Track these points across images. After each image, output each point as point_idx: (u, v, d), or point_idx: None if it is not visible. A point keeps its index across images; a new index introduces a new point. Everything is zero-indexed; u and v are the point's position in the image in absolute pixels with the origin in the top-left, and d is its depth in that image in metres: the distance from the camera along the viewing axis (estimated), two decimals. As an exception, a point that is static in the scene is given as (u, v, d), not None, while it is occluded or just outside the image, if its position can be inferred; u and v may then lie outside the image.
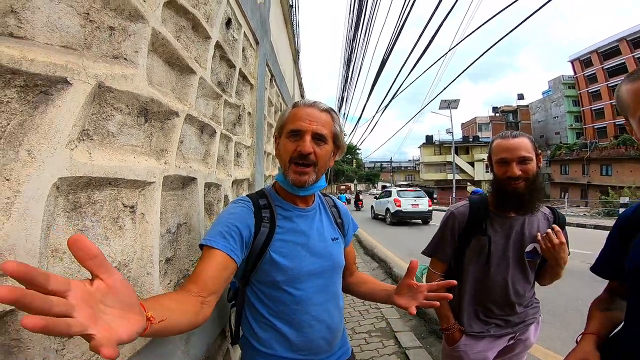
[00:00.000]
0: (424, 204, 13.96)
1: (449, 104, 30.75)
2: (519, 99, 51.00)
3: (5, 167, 0.47)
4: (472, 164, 42.53)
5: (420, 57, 5.47)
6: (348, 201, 29.38)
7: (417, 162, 62.46)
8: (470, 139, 45.64)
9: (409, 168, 73.68)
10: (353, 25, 5.73)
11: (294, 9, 5.71)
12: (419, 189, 16.91)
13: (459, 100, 31.71)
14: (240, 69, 1.60)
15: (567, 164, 34.43)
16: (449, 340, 1.54)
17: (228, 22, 1.43)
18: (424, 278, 1.68)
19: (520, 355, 1.61)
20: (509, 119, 48.95)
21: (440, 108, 31.23)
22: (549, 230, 1.36)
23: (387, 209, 14.50)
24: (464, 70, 5.37)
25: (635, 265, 0.88)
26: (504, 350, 1.58)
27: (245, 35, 1.71)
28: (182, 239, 1.02)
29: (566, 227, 1.51)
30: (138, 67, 0.73)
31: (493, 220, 1.48)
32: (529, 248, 1.46)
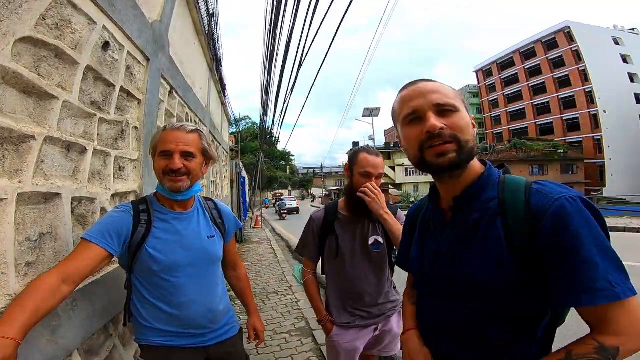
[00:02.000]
0: (293, 204, 28.81)
1: (371, 112, 32.24)
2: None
3: None
4: (393, 168, 45.65)
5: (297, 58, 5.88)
6: (272, 204, 37.42)
7: (347, 168, 64.73)
8: (392, 145, 48.96)
9: (339, 173, 76.16)
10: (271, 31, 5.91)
11: (214, 17, 5.72)
12: (293, 197, 36.24)
13: (379, 108, 33.37)
14: (122, 86, 1.70)
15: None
16: (325, 330, 1.71)
17: (106, 45, 1.54)
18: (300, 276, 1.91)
19: (391, 346, 1.76)
20: (426, 126, 53.49)
21: (363, 116, 32.44)
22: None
23: (278, 206, 27.43)
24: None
25: (412, 264, 0.99)
26: (375, 342, 1.74)
27: (130, 54, 1.82)
28: (46, 247, 1.12)
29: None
30: (-17, 101, 0.85)
31: (341, 221, 1.69)
32: (371, 241, 1.66)
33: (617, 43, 35.73)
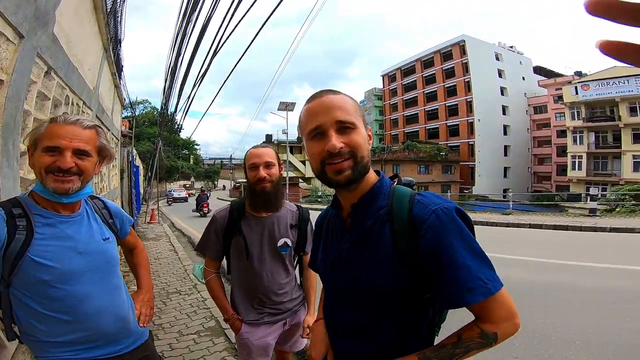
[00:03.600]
0: (182, 194, 35.00)
1: (287, 106, 32.04)
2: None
3: None
4: (304, 162, 46.79)
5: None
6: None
7: (257, 160, 63.36)
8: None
9: (249, 165, 74.12)
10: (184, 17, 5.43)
11: None
12: (183, 187, 41.89)
13: (295, 103, 33.20)
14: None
15: (371, 165, 41.90)
16: (233, 329, 1.70)
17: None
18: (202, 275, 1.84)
19: (302, 340, 1.82)
20: (334, 124, 56.00)
21: (278, 109, 32.03)
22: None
23: (166, 195, 34.69)
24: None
25: (319, 267, 1.08)
26: (285, 337, 1.77)
27: (-5, 30, 1.55)
28: None
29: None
30: None
31: (249, 220, 1.68)
32: (280, 243, 1.68)
33: (497, 59, 41.78)
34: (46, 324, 1.11)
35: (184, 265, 6.31)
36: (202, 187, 34.90)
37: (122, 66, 7.59)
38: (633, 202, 14.12)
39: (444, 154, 37.16)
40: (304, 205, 1.90)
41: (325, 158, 0.83)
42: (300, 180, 42.05)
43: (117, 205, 1.45)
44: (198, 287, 4.91)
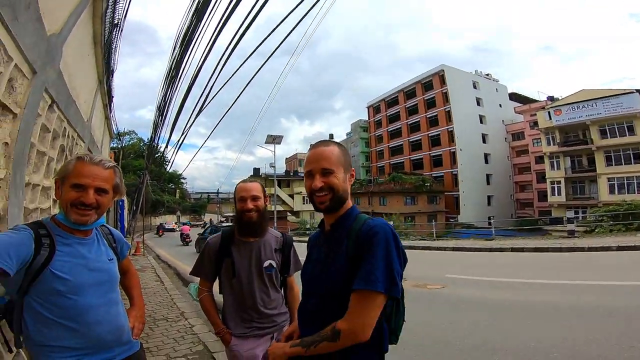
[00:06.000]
0: (171, 225, 43.08)
1: (274, 139, 32.03)
2: (329, 139, 59.79)
3: None
4: (292, 196, 46.84)
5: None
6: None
7: (244, 193, 63.04)
8: (291, 173, 50.30)
9: (236, 198, 73.45)
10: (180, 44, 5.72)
11: (117, 28, 5.28)
12: (171, 222, 47.08)
13: (282, 136, 32.83)
14: (-2, 99, 1.62)
15: (358, 197, 40.79)
16: (224, 341, 1.89)
17: (-11, 57, 1.49)
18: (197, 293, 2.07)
19: None
20: (322, 156, 56.49)
21: (266, 142, 31.70)
22: None
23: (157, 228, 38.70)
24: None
25: (302, 273, 1.38)
26: None
27: (16, 66, 1.74)
28: None
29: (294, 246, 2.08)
30: None
31: (238, 245, 1.93)
32: (265, 264, 1.91)
33: (475, 87, 42.68)
34: (53, 329, 1.26)
35: (171, 295, 6.35)
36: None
37: (113, 97, 7.87)
38: (611, 222, 14.80)
39: (428, 184, 37.83)
40: (295, 238, 2.17)
41: (312, 191, 1.21)
42: (289, 213, 41.76)
43: (118, 232, 1.67)
44: (186, 315, 4.96)
